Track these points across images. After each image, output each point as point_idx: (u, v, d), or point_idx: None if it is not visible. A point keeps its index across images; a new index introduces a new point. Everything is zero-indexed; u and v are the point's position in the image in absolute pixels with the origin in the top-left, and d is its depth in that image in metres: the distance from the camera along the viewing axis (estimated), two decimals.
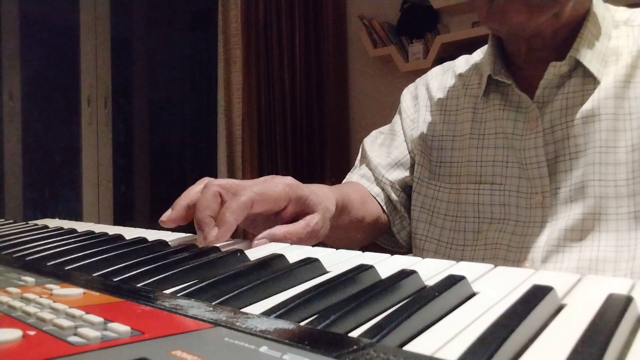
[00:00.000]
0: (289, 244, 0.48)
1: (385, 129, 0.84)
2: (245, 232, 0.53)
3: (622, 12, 0.67)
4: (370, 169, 0.79)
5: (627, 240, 0.58)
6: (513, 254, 0.63)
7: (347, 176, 0.83)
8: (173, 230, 0.57)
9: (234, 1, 2.63)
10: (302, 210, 0.55)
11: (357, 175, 0.80)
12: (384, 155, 0.79)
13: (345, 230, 0.70)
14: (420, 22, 2.26)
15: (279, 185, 0.53)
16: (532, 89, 0.65)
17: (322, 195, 0.57)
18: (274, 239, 0.50)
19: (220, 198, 0.51)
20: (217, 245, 0.47)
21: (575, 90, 0.62)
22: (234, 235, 0.50)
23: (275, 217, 0.54)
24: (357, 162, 0.84)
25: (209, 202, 0.50)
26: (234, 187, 0.52)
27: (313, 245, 0.46)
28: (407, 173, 0.78)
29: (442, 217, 0.72)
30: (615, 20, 0.65)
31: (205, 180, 0.55)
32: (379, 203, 0.77)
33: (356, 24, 2.46)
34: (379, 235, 0.81)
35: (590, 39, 0.62)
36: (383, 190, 0.78)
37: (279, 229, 0.51)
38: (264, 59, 2.59)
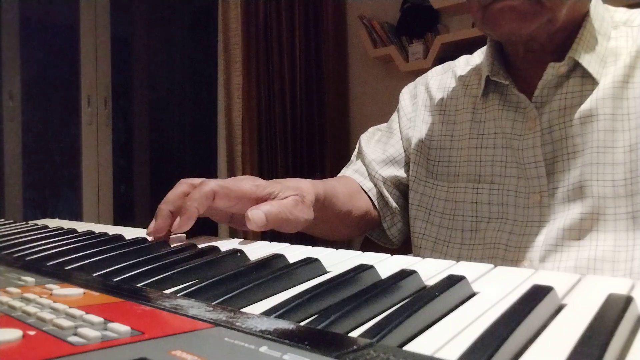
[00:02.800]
0: (288, 244, 0.48)
1: (382, 126, 0.85)
2: (246, 233, 0.53)
3: (621, 12, 0.67)
4: (365, 164, 0.80)
5: (625, 241, 0.58)
6: (511, 254, 0.64)
7: (342, 171, 0.84)
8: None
9: (234, 1, 2.63)
10: None
11: (351, 170, 0.81)
12: (379, 152, 0.80)
13: (331, 224, 0.71)
14: (420, 22, 2.26)
15: (246, 185, 0.55)
16: (530, 89, 0.65)
17: (297, 187, 0.58)
18: (266, 213, 0.51)
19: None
20: (218, 245, 0.47)
21: (573, 91, 0.62)
22: (233, 235, 0.50)
23: None
24: (353, 157, 0.85)
25: (175, 198, 0.53)
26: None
27: (313, 246, 0.46)
28: (401, 171, 0.79)
29: (439, 215, 0.72)
30: (615, 20, 0.65)
31: (182, 184, 0.58)
32: (370, 198, 0.78)
33: (356, 24, 2.46)
34: (369, 230, 0.81)
35: (589, 40, 0.62)
36: (375, 185, 0.78)
37: (268, 203, 0.53)
38: (264, 59, 2.59)
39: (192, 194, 0.52)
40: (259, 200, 0.54)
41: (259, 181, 0.56)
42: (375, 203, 0.78)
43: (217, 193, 0.52)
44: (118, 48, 2.90)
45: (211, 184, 0.52)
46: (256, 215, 0.50)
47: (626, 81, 0.61)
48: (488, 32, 0.64)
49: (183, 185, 0.55)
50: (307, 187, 0.59)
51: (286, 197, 0.55)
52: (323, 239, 0.76)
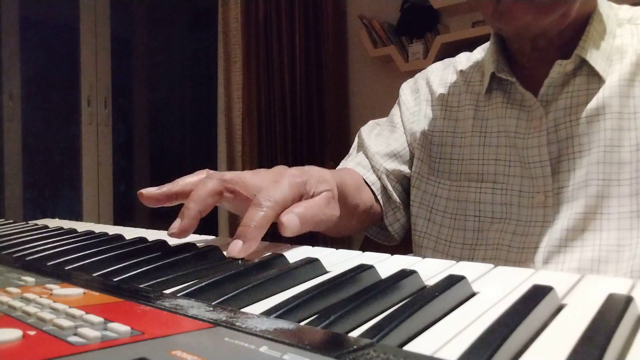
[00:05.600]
0: (288, 244, 0.48)
1: (382, 120, 0.83)
2: None
3: (625, 10, 0.66)
4: (368, 157, 0.77)
5: (629, 239, 0.57)
6: (514, 255, 0.63)
7: (342, 163, 0.81)
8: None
9: (234, 1, 2.63)
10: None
11: (353, 163, 0.78)
12: (382, 145, 0.78)
13: (341, 217, 0.69)
14: (420, 22, 2.26)
15: (292, 189, 0.48)
16: (535, 88, 0.64)
17: (325, 183, 0.53)
18: (300, 217, 0.46)
19: (220, 196, 0.49)
20: (218, 245, 0.47)
21: (580, 89, 0.62)
22: (233, 234, 0.50)
23: None
24: (352, 150, 0.83)
25: (205, 197, 0.47)
26: (239, 185, 0.49)
27: (313, 246, 0.46)
28: (404, 166, 0.77)
29: (441, 214, 0.72)
30: (619, 18, 0.65)
31: (203, 173, 0.53)
32: (373, 192, 0.75)
33: (356, 24, 2.46)
34: (371, 225, 0.79)
35: (595, 38, 0.62)
36: (379, 179, 0.76)
37: (300, 205, 0.48)
38: (263, 59, 2.59)
39: (252, 215, 0.44)
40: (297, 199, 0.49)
41: (298, 179, 0.49)
42: (379, 197, 0.75)
43: (276, 212, 0.46)
44: (118, 48, 2.91)
45: (271, 205, 0.45)
46: (291, 222, 0.45)
47: (632, 79, 0.60)
48: (500, 25, 0.62)
49: (213, 183, 0.48)
50: (331, 180, 0.54)
51: (319, 193, 0.50)
52: (323, 239, 0.75)
